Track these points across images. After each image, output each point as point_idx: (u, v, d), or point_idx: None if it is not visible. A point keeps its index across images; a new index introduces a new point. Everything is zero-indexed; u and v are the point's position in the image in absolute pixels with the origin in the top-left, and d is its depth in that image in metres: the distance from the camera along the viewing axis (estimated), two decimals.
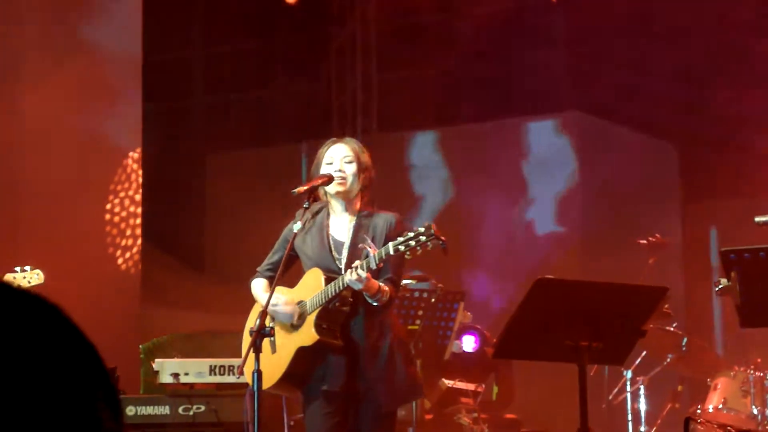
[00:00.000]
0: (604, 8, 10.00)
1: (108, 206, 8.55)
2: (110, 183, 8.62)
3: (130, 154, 8.74)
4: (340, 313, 5.17)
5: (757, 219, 5.11)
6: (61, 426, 0.78)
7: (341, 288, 5.07)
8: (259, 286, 5.42)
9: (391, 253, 4.97)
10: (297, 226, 5.27)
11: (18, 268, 6.60)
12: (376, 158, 5.51)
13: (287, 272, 5.40)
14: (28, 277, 6.54)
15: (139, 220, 8.66)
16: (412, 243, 4.94)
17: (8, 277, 6.45)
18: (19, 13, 8.22)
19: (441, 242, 4.97)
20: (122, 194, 8.65)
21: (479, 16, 11.25)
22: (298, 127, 11.37)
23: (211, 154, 12.09)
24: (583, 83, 10.92)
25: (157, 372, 7.06)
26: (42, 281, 6.56)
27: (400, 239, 4.96)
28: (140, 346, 8.07)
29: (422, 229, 4.95)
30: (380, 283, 5.10)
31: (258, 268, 5.49)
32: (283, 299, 5.24)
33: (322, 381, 5.20)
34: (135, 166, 8.76)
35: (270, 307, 5.21)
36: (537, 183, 10.60)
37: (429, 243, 4.95)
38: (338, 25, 10.72)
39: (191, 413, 7.04)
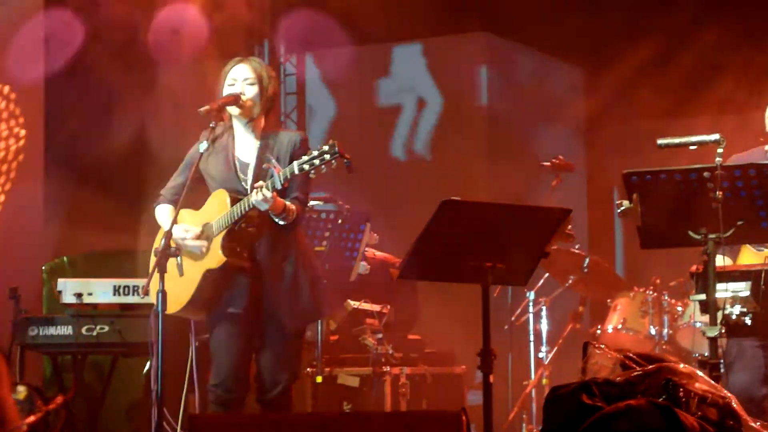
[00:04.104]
0: None
1: (7, 125, 8.39)
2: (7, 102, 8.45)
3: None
4: (247, 234, 5.17)
5: (659, 142, 5.16)
6: None
7: (247, 209, 5.07)
8: (163, 213, 5.39)
9: (296, 172, 4.97)
10: (202, 147, 5.24)
11: None
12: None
13: (193, 194, 5.37)
14: None
15: (42, 137, 8.52)
16: (317, 162, 4.95)
17: None
18: None
19: (345, 160, 4.98)
20: (23, 115, 8.49)
21: None
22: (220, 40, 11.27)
23: (117, 72, 11.90)
24: (491, 6, 10.91)
25: (59, 292, 7.01)
26: None
27: (305, 158, 4.97)
28: (43, 266, 8.01)
29: (326, 148, 4.96)
30: (287, 202, 5.11)
31: (162, 191, 5.46)
32: (192, 233, 5.22)
33: (229, 303, 5.21)
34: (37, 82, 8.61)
35: (179, 240, 5.19)
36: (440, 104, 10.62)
37: (333, 161, 4.96)
38: None
39: (95, 333, 7.02)
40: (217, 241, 5.15)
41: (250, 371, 5.33)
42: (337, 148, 4.95)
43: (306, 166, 4.96)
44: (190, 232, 5.22)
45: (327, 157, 4.95)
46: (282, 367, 5.27)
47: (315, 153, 4.97)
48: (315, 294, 5.28)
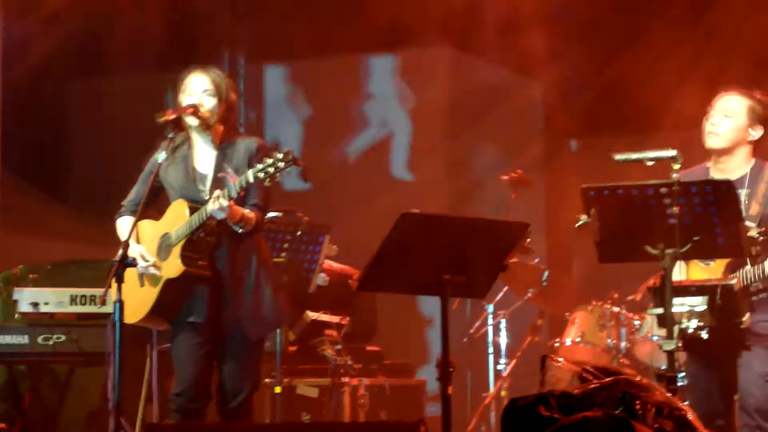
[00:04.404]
0: None
1: None
2: None
3: None
4: (206, 244, 5.18)
5: (616, 157, 5.17)
6: None
7: (205, 218, 5.07)
8: (124, 225, 5.38)
9: (251, 180, 4.98)
10: (161, 157, 5.25)
11: None
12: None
13: (155, 204, 5.37)
14: None
15: None
16: (271, 170, 4.95)
17: None
18: None
19: (300, 168, 4.99)
20: None
21: None
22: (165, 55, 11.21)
23: (75, 81, 11.84)
24: (456, 23, 10.96)
25: (15, 301, 6.98)
26: None
27: (259, 166, 4.98)
28: None
29: (280, 156, 4.96)
30: (245, 210, 5.12)
31: (123, 202, 5.46)
32: (151, 261, 5.23)
33: (190, 313, 5.21)
34: None
35: (139, 268, 5.20)
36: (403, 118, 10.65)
37: (288, 169, 4.96)
38: None
39: (51, 342, 6.98)
40: (176, 250, 5.15)
41: (211, 381, 5.33)
42: (291, 156, 4.95)
43: (261, 174, 4.96)
44: (148, 261, 5.23)
45: (281, 165, 4.95)
46: (244, 376, 5.27)
47: (269, 161, 4.97)
48: (276, 302, 5.28)
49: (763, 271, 5.17)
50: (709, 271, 5.38)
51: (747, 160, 5.43)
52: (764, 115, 5.41)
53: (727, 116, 5.40)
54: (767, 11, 9.66)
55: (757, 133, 5.40)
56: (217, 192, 5.02)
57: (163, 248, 5.23)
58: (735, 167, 5.40)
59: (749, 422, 5.29)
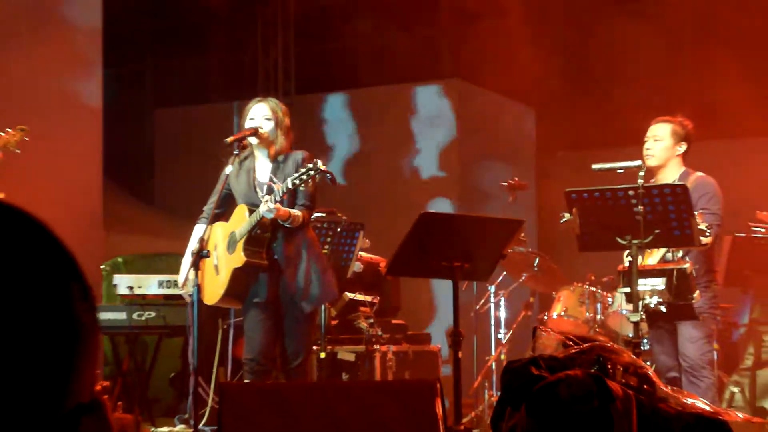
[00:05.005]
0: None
1: (74, 152, 8.39)
2: (76, 135, 8.45)
3: (93, 108, 8.58)
4: (263, 238, 5.18)
5: (594, 166, 5.18)
6: (39, 318, 0.68)
7: (259, 218, 5.08)
8: (199, 230, 5.37)
9: (290, 186, 5.00)
10: (229, 169, 5.27)
11: None
12: (294, 114, 5.52)
13: (230, 207, 5.39)
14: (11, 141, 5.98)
15: (100, 165, 8.52)
16: (304, 177, 4.97)
17: None
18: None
19: (327, 174, 5.01)
20: (86, 142, 8.49)
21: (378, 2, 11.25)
22: (232, 88, 11.27)
23: (160, 110, 11.91)
24: (462, 55, 10.96)
25: (115, 285, 7.03)
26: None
27: (295, 174, 5.00)
28: (102, 265, 8.01)
29: (311, 165, 4.97)
30: (291, 210, 5.12)
31: (204, 208, 5.44)
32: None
33: (255, 294, 5.22)
34: (97, 121, 8.61)
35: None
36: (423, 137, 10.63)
37: (317, 175, 4.98)
38: (262, 5, 10.58)
39: (143, 318, 7.03)
40: (240, 245, 5.16)
41: (276, 348, 5.33)
42: (319, 166, 4.96)
43: (297, 181, 4.98)
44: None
45: (311, 173, 4.96)
46: (300, 343, 5.26)
47: (303, 170, 4.99)
48: (324, 283, 5.26)
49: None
50: (658, 256, 5.39)
51: (677, 170, 5.54)
52: (685, 134, 5.55)
53: (656, 140, 5.54)
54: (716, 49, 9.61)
55: (681, 148, 5.55)
56: (267, 197, 5.04)
57: (231, 244, 5.24)
58: (669, 176, 5.50)
59: (687, 374, 5.38)
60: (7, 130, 5.99)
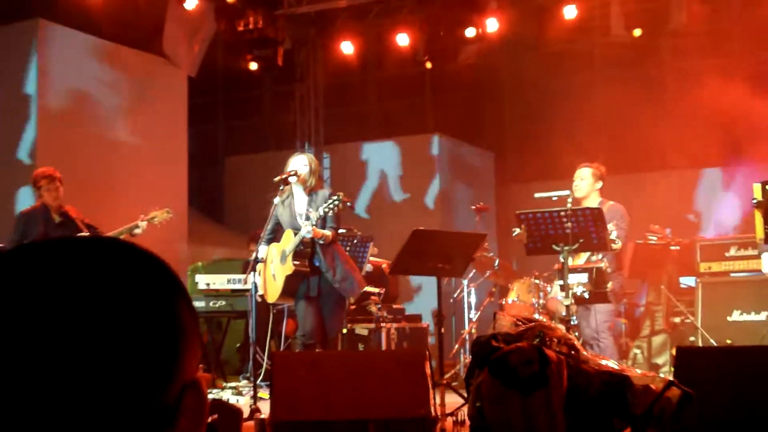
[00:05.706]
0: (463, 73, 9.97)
1: (166, 189, 8.44)
2: (167, 175, 8.49)
3: (180, 157, 8.64)
4: (305, 252, 5.17)
5: (536, 195, 5.23)
6: (155, 322, 0.67)
7: (301, 238, 5.09)
8: (262, 249, 5.30)
9: (321, 215, 5.01)
10: (277, 200, 5.27)
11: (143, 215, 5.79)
12: (321, 160, 5.51)
13: (280, 231, 5.38)
14: (158, 217, 5.82)
15: (185, 196, 8.56)
16: (332, 206, 4.98)
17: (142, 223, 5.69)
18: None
19: (347, 204, 5.03)
20: (175, 182, 8.53)
21: (388, 75, 11.32)
22: (279, 140, 11.33)
23: (229, 157, 11.96)
24: (440, 115, 10.99)
25: (196, 282, 7.05)
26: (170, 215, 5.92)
27: (324, 205, 5.02)
28: (188, 268, 8.04)
29: (335, 197, 4.99)
30: (323, 231, 5.13)
31: (262, 235, 5.33)
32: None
33: (306, 291, 5.16)
34: (183, 165, 8.66)
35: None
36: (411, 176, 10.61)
37: (340, 205, 4.99)
38: (299, 81, 10.63)
39: (217, 305, 7.05)
40: (289, 259, 5.12)
41: (319, 327, 5.32)
42: (341, 198, 4.96)
43: (325, 210, 4.99)
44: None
45: (336, 203, 4.99)
46: (335, 323, 5.20)
47: (329, 202, 4.99)
48: (356, 279, 5.20)
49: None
50: (578, 257, 5.43)
51: (596, 200, 5.61)
52: (600, 175, 5.66)
53: (581, 179, 5.65)
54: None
55: (599, 185, 5.65)
56: (305, 222, 5.07)
57: (282, 258, 5.21)
58: (590, 204, 5.52)
59: (592, 341, 5.38)
60: (158, 209, 5.79)
